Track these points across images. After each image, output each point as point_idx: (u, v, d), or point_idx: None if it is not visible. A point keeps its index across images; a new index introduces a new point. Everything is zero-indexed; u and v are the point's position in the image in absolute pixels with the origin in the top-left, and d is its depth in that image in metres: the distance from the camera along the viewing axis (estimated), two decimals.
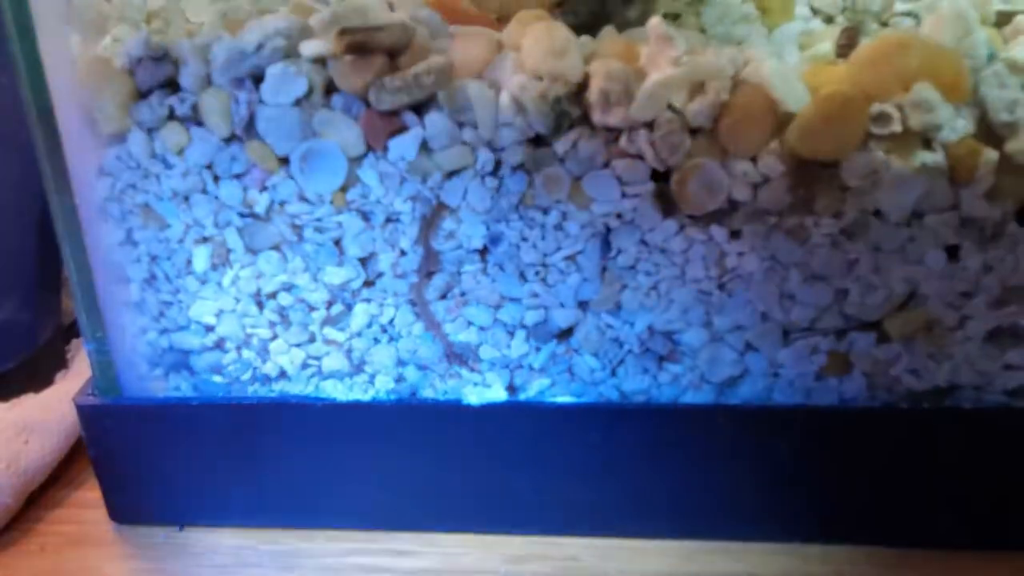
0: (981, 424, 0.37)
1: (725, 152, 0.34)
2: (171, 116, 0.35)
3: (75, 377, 0.49)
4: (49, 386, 0.48)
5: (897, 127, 0.33)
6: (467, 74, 0.34)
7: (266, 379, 0.40)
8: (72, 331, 0.52)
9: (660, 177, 0.34)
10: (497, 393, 0.39)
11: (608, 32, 0.35)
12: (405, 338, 0.38)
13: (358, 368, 0.39)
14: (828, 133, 0.33)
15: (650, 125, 0.33)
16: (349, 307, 0.38)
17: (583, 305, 0.37)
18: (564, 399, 0.39)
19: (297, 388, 0.40)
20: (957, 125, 0.33)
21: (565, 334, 0.38)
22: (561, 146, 0.34)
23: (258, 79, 0.34)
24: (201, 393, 0.40)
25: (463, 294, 0.37)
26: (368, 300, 0.38)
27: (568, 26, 0.34)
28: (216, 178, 0.36)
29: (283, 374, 0.40)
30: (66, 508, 0.43)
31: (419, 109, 0.35)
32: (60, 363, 0.50)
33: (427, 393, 0.39)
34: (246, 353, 0.39)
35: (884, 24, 0.38)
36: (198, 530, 0.42)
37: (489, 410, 0.38)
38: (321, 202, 0.36)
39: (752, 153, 0.34)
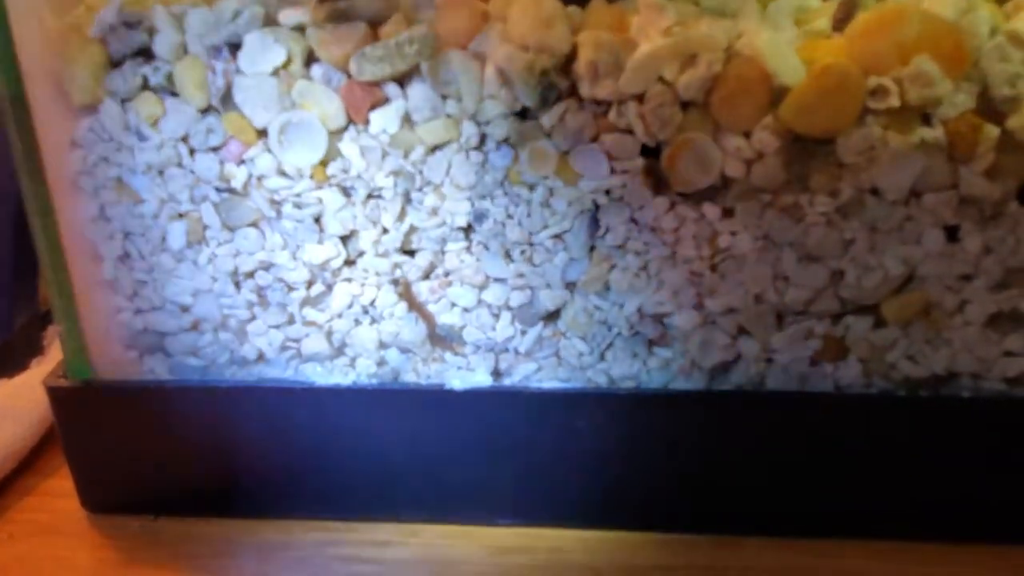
0: (980, 413, 0.36)
1: (717, 127, 0.33)
2: (145, 86, 0.34)
3: (50, 363, 0.48)
4: (23, 372, 0.47)
5: (895, 101, 0.32)
6: (452, 45, 0.33)
7: (244, 362, 0.39)
8: (48, 318, 0.51)
9: (650, 152, 0.33)
10: (481, 378, 0.38)
11: (597, 2, 0.34)
12: (387, 319, 0.37)
13: (339, 351, 0.38)
14: (824, 107, 0.32)
15: (640, 98, 0.32)
16: (329, 287, 0.37)
17: (570, 286, 0.36)
18: (551, 384, 0.38)
19: (276, 371, 0.39)
20: (957, 100, 0.32)
21: (552, 316, 0.37)
22: (548, 120, 0.33)
23: (235, 48, 0.33)
24: (177, 376, 0.39)
25: (447, 274, 0.36)
26: (349, 280, 0.37)
27: None
28: (192, 151, 0.35)
29: (261, 357, 0.38)
30: (37, 496, 0.42)
31: (402, 80, 0.34)
32: (35, 349, 0.49)
33: (409, 377, 0.38)
34: (223, 335, 0.38)
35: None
36: (172, 520, 0.40)
37: (473, 395, 0.37)
38: (300, 176, 0.35)
39: (745, 128, 0.33)
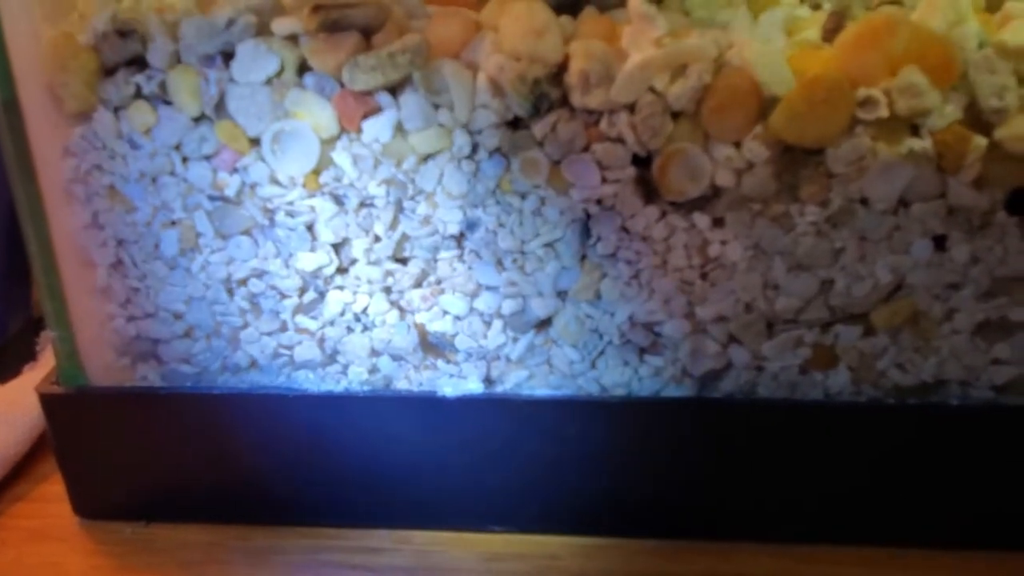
0: (968, 421, 0.36)
1: (708, 137, 0.33)
2: (138, 94, 0.34)
3: (43, 369, 0.48)
4: (16, 378, 0.47)
5: (884, 112, 0.32)
6: (444, 54, 0.34)
7: (236, 369, 0.39)
8: (41, 324, 0.51)
9: (641, 162, 0.34)
10: (473, 385, 0.38)
11: (589, 12, 0.34)
12: (379, 327, 0.37)
13: (331, 358, 0.38)
14: (814, 118, 0.32)
15: (631, 108, 0.33)
16: (322, 294, 0.37)
17: (562, 294, 0.36)
18: (542, 392, 0.38)
19: (268, 378, 0.39)
20: (945, 111, 0.32)
21: (543, 324, 0.37)
22: (539, 129, 0.33)
23: (228, 56, 0.33)
24: (169, 383, 0.39)
25: (439, 282, 0.36)
26: (341, 287, 0.37)
27: (548, 6, 0.33)
28: (185, 159, 0.35)
29: (254, 364, 0.38)
30: (29, 502, 0.42)
31: (394, 90, 0.34)
32: (29, 355, 0.49)
33: (401, 384, 0.38)
34: (216, 342, 0.38)
35: (871, 11, 0.37)
36: (165, 526, 0.40)
37: (465, 402, 0.37)
38: (293, 185, 0.35)
39: (735, 138, 0.33)
